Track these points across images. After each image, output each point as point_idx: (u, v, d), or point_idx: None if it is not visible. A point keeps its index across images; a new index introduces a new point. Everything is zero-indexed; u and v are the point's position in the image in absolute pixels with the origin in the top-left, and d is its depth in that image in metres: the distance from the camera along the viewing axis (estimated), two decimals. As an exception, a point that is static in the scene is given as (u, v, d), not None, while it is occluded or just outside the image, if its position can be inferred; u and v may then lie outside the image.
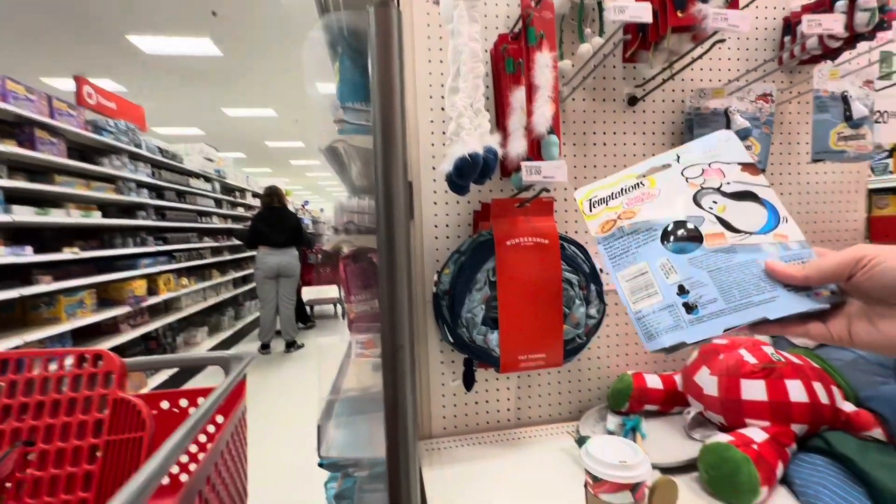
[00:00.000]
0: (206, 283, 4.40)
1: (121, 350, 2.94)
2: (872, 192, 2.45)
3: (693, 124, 0.95)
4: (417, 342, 0.93)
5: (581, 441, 0.81)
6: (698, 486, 0.71)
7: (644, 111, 0.99)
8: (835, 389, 0.77)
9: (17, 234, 2.39)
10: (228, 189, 5.75)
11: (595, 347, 1.00)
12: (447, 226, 0.93)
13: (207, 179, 4.86)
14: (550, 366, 0.79)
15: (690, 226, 0.42)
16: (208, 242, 4.74)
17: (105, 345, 2.69)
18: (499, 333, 0.76)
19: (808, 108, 1.05)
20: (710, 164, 0.45)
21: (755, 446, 0.68)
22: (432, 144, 0.91)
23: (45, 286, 2.20)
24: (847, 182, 1.09)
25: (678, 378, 0.91)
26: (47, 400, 0.50)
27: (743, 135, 0.90)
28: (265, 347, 4.26)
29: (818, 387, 0.76)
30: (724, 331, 0.39)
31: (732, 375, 0.78)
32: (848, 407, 0.76)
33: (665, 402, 0.90)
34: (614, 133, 0.98)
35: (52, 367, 0.51)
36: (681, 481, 0.73)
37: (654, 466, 0.76)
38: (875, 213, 2.51)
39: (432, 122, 0.91)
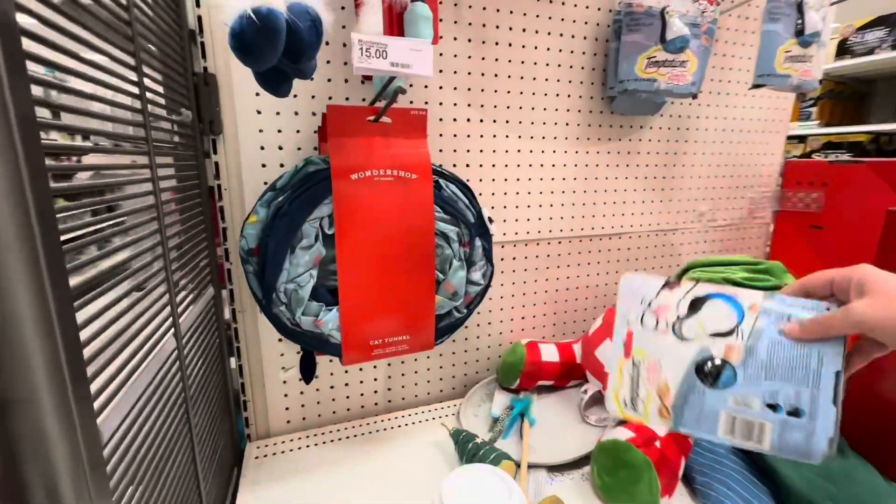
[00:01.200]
0: None
1: None
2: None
3: (621, 27, 0.72)
4: (242, 312, 0.66)
5: (456, 436, 0.63)
6: (589, 488, 0.58)
7: (563, 3, 0.74)
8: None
9: None
10: None
11: (485, 311, 0.81)
12: (280, 148, 0.63)
13: None
14: (418, 350, 0.58)
15: (706, 361, 0.39)
16: None
17: None
18: (339, 311, 0.52)
19: (749, 24, 0.88)
20: (650, 306, 0.41)
21: (658, 443, 0.55)
22: (249, 15, 0.58)
23: None
24: (770, 121, 0.97)
25: (577, 348, 0.77)
26: None
27: (679, 45, 0.70)
28: None
29: (727, 360, 0.65)
30: (834, 404, 0.35)
31: (639, 352, 0.63)
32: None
33: (561, 376, 0.76)
34: (524, 30, 0.72)
35: None
36: (569, 480, 0.59)
37: (542, 466, 0.61)
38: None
39: (246, -25, 0.56)
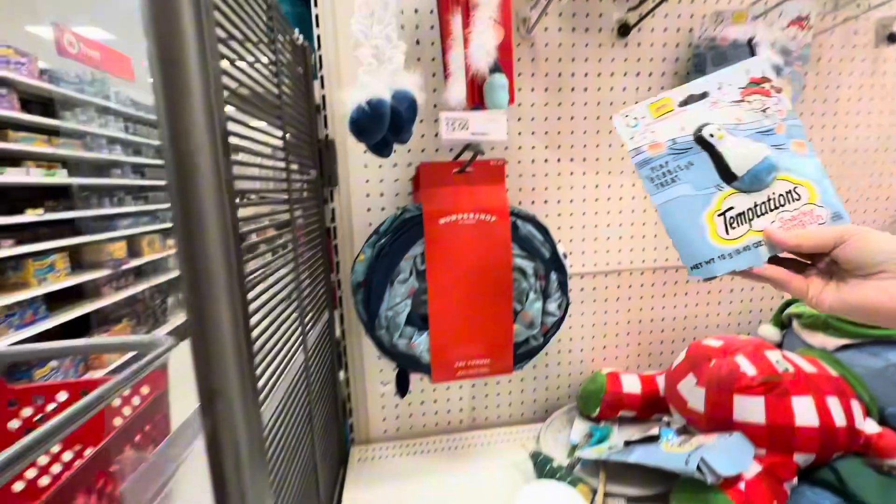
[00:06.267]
0: (198, 243, 4.29)
1: (104, 314, 2.88)
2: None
3: (705, 61, 0.73)
4: (349, 332, 0.78)
5: (535, 457, 0.67)
6: (670, 524, 0.58)
7: (639, 44, 0.77)
8: (855, 405, 0.61)
9: (-20, 195, 2.26)
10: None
11: (566, 339, 0.84)
12: (382, 195, 0.75)
13: (194, 134, 4.62)
14: (497, 373, 0.64)
15: None
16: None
17: (85, 308, 2.62)
18: (428, 335, 0.60)
19: (857, 38, 0.81)
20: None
21: (742, 485, 0.53)
22: (360, 90, 0.71)
23: (5, 251, 2.09)
24: (888, 138, 0.87)
25: (661, 380, 0.76)
26: None
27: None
28: None
29: (833, 404, 0.60)
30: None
31: (724, 389, 0.62)
32: (870, 427, 0.61)
33: (643, 408, 0.75)
34: (599, 74, 0.77)
35: None
36: (649, 517, 0.60)
37: (620, 496, 0.62)
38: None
39: (358, 59, 0.70)
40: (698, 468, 0.52)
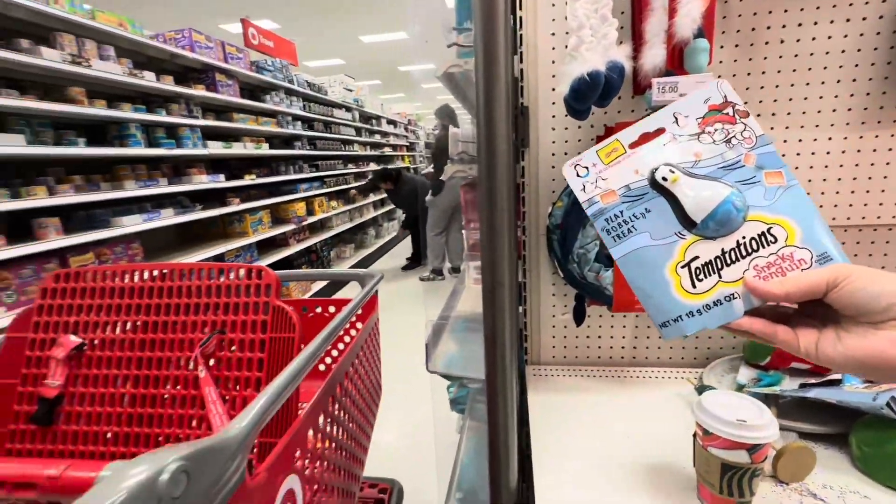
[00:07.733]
0: (351, 206, 4.97)
1: (290, 260, 3.59)
2: None
3: (935, -1, 0.67)
4: (530, 272, 0.93)
5: (702, 389, 0.76)
6: (846, 460, 0.62)
7: (852, -12, 0.73)
8: None
9: (214, 165, 2.99)
10: (366, 117, 6.16)
11: (735, 292, 0.88)
12: (566, 154, 0.86)
13: (348, 109, 5.26)
14: (672, 309, 0.73)
15: None
16: (351, 169, 5.25)
17: (279, 256, 3.32)
18: (613, 271, 0.71)
19: None
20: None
21: (941, 430, 0.55)
22: (552, 62, 0.82)
23: (235, 207, 2.76)
24: None
25: (845, 337, 0.76)
26: (230, 302, 0.66)
27: None
28: (439, 273, 4.27)
29: None
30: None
31: (927, 343, 0.61)
32: None
33: (821, 361, 0.77)
34: (799, 25, 0.75)
35: (231, 276, 0.66)
36: (824, 451, 0.64)
37: (791, 430, 0.67)
38: None
39: (553, 34, 0.81)
40: (888, 405, 0.55)
